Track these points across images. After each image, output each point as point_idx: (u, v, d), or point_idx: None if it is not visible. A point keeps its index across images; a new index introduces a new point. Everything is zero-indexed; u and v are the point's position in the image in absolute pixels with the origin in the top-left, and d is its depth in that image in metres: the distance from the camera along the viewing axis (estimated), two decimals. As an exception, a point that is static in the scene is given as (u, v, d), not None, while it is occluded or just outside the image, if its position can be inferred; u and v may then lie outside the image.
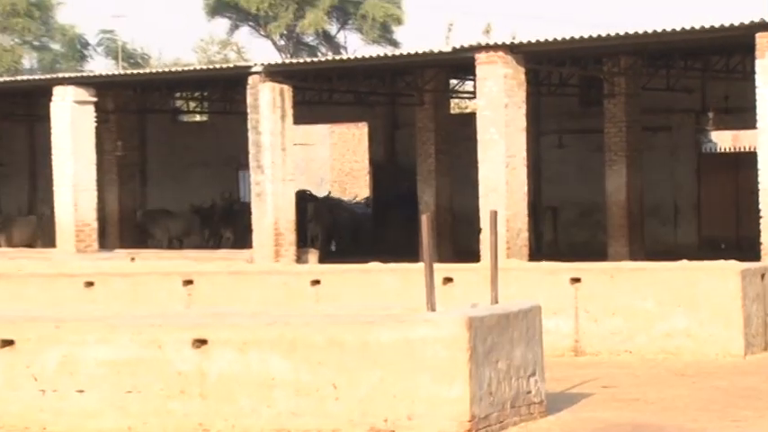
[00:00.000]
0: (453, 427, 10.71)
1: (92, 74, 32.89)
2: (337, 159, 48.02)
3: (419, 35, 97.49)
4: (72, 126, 27.08)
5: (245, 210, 28.66)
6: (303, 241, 28.55)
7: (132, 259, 24.93)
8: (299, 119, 27.06)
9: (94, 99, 27.54)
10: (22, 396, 11.43)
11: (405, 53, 25.89)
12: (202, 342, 11.19)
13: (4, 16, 70.90)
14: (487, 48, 22.95)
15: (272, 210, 25.19)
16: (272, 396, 11.02)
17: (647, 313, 16.45)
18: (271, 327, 11.18)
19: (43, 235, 32.06)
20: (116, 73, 34.50)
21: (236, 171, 36.92)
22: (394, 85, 31.04)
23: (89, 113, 27.40)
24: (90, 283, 19.18)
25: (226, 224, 33.39)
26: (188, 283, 18.74)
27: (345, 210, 38.89)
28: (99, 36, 75.26)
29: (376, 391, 10.85)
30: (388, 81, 30.56)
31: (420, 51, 24.88)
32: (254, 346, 11.08)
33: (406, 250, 25.58)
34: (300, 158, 41.15)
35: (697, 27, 21.14)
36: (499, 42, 23.24)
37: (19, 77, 38.63)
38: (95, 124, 27.74)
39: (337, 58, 34.41)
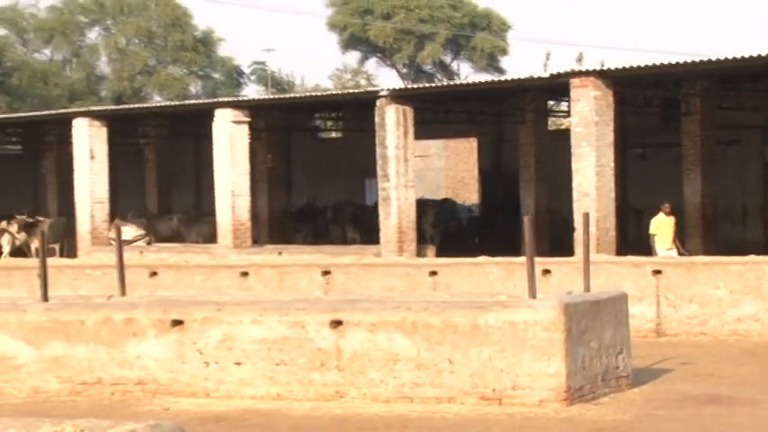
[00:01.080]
0: (552, 396, 10.63)
1: (246, 98, 33.27)
2: (451, 169, 47.90)
3: (521, 63, 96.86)
4: (230, 142, 27.37)
5: (372, 212, 28.73)
6: (423, 240, 28.37)
7: (279, 253, 25.11)
8: (419, 135, 27.02)
9: (249, 119, 27.78)
10: (190, 367, 11.56)
11: (509, 79, 25.78)
12: (339, 323, 11.23)
13: (174, 51, 72.00)
14: (580, 73, 22.73)
15: (395, 212, 25.19)
16: (397, 369, 11.02)
17: (719, 300, 16.18)
18: (396, 311, 11.18)
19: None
20: (266, 97, 34.82)
21: (364, 180, 37.04)
22: (500, 106, 30.90)
23: (244, 131, 27.66)
24: (245, 273, 19.35)
25: (354, 226, 33.24)
26: (326, 273, 18.82)
27: (459, 212, 38.77)
28: (252, 66, 76.09)
29: (485, 366, 10.79)
30: (495, 102, 30.45)
31: (522, 77, 24.76)
32: (381, 327, 11.09)
33: (509, 246, 25.43)
34: (419, 168, 41.06)
35: (763, 54, 20.71)
36: (590, 69, 23.00)
37: (186, 102, 39.06)
38: (249, 140, 27.98)
39: (451, 83, 34.29)
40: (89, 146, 29.31)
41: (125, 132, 35.36)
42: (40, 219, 32.51)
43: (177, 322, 11.63)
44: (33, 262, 21.77)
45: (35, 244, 31.57)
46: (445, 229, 32.43)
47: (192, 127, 35.57)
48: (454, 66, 74.26)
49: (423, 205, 32.05)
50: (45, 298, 12.71)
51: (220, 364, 11.48)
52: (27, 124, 39.19)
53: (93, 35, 74.99)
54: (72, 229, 31.45)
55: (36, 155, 41.38)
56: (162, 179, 38.54)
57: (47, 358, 11.84)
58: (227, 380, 11.46)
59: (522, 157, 30.66)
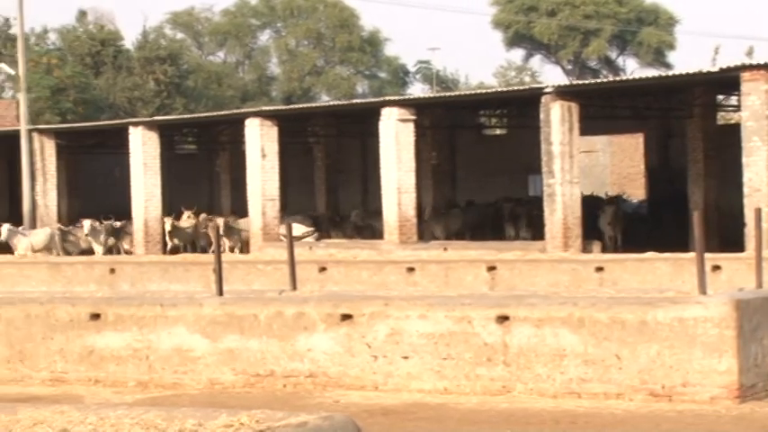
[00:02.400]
0: (723, 394, 10.36)
1: (412, 97, 33.38)
2: (616, 165, 47.21)
3: (689, 58, 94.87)
4: (396, 140, 27.51)
5: (536, 207, 28.49)
6: (600, 239, 27.64)
7: (445, 249, 25.12)
8: (584, 131, 26.71)
9: (414, 117, 27.89)
10: (359, 361, 11.65)
11: (678, 74, 25.24)
12: (505, 318, 11.16)
13: (342, 51, 72.83)
14: (751, 67, 22.16)
15: (560, 207, 24.96)
16: (564, 364, 10.90)
17: None
18: (562, 306, 11.06)
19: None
20: (431, 95, 34.89)
21: (527, 176, 36.80)
22: (667, 101, 30.31)
23: (410, 129, 27.77)
24: (411, 269, 19.45)
25: (527, 223, 32.80)
26: (491, 268, 18.77)
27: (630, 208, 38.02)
28: (417, 65, 76.46)
29: (654, 363, 10.59)
30: (662, 97, 29.87)
31: (691, 72, 24.22)
32: (547, 323, 10.99)
33: (677, 242, 24.92)
34: (584, 164, 40.60)
35: None
36: (762, 62, 22.38)
37: (354, 101, 39.47)
38: (414, 138, 28.08)
39: (617, 79, 33.80)
40: (261, 145, 29.85)
41: (295, 131, 35.90)
42: (117, 223, 32.97)
43: (346, 316, 11.73)
44: (209, 258, 22.30)
45: (124, 247, 32.23)
46: (625, 229, 31.37)
47: (358, 125, 35.91)
48: (620, 61, 73.28)
49: (600, 203, 31.47)
50: (220, 292, 12.99)
51: (388, 357, 11.53)
52: (202, 124, 40.16)
53: (264, 37, 76.49)
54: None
55: (210, 154, 42.37)
56: (330, 177, 39.02)
57: (222, 351, 12.08)
58: (395, 373, 11.50)
59: (691, 153, 30.02)
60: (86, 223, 31.40)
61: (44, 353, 12.58)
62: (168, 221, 31.75)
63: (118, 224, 32.66)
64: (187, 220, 33.10)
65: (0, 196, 41.04)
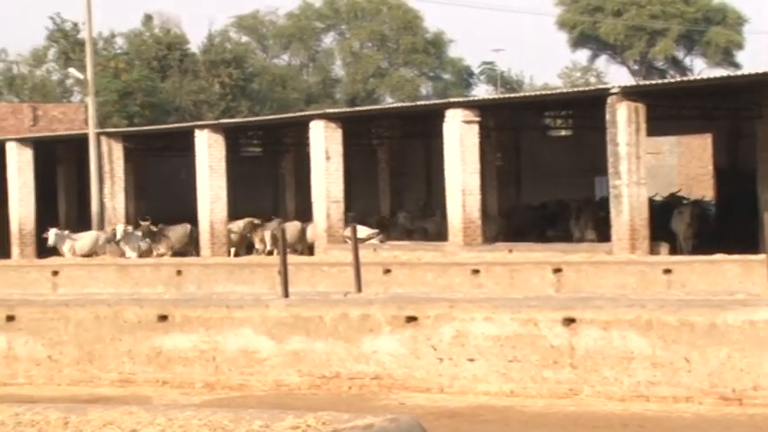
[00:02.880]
0: (795, 398, 10.22)
1: (476, 98, 33.29)
2: (684, 166, 46.75)
3: (758, 57, 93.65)
4: (460, 141, 27.46)
5: (602, 208, 28.28)
6: (673, 242, 27.17)
7: (510, 251, 25.01)
8: (651, 131, 26.47)
9: (478, 119, 27.81)
10: (424, 363, 11.63)
11: (746, 74, 24.96)
12: (571, 321, 11.09)
13: (406, 53, 72.88)
14: (821, 66, 21.86)
15: (627, 209, 24.74)
16: (632, 367, 10.81)
17: None
18: (630, 309, 10.97)
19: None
20: (496, 97, 34.78)
21: (593, 177, 36.56)
22: (735, 101, 29.94)
23: (474, 131, 27.70)
24: (476, 271, 19.40)
25: (594, 225, 32.44)
26: (557, 270, 18.67)
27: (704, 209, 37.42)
28: (482, 67, 76.29)
29: (724, 366, 10.46)
30: (731, 98, 29.51)
31: (760, 72, 23.91)
32: (615, 325, 10.90)
33: (746, 244, 24.60)
34: (651, 165, 40.23)
35: None
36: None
37: (418, 103, 39.49)
38: (479, 139, 28.00)
39: (685, 79, 33.48)
40: (325, 147, 29.93)
41: (359, 133, 35.97)
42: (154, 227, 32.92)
43: (411, 318, 11.72)
44: (274, 260, 22.41)
45: (159, 251, 32.04)
46: (699, 231, 30.65)
47: (423, 127, 35.87)
48: (687, 61, 72.60)
49: (677, 205, 30.99)
50: (286, 294, 13.05)
51: (454, 360, 11.51)
52: (267, 127, 40.39)
53: (328, 40, 76.77)
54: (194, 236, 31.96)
55: (275, 156, 42.57)
56: (393, 179, 39.05)
57: (288, 352, 12.12)
58: (461, 376, 11.48)
59: (760, 153, 29.59)
60: (119, 228, 31.45)
61: (113, 354, 12.70)
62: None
63: (154, 228, 32.66)
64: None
65: (69, 198, 41.54)
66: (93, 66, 38.21)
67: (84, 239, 31.88)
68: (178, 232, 32.74)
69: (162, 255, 31.43)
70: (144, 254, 31.29)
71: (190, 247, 32.95)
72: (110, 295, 16.24)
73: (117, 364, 12.69)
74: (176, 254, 31.45)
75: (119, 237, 30.93)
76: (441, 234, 30.89)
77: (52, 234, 31.14)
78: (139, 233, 31.89)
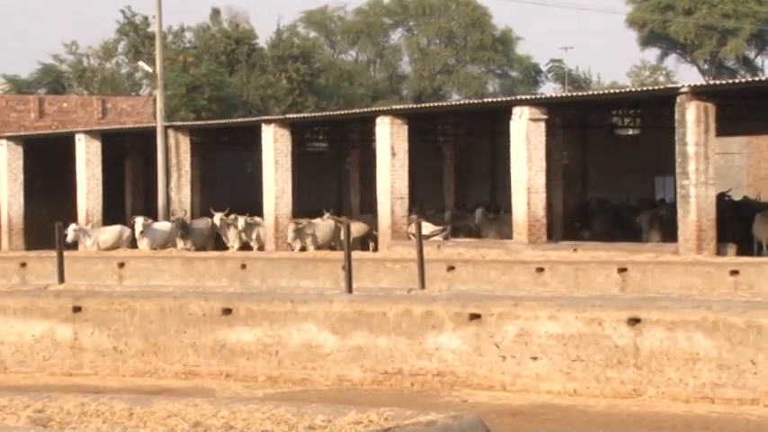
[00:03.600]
0: None
1: (543, 96, 33.10)
2: (753, 167, 46.21)
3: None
4: (527, 139, 27.33)
5: (669, 209, 27.96)
6: (749, 246, 26.57)
7: (574, 250, 24.84)
8: (720, 131, 26.17)
9: (545, 117, 27.66)
10: (487, 361, 11.61)
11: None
12: (636, 321, 11.01)
13: (474, 50, 72.73)
14: None
15: (694, 209, 24.50)
16: (697, 369, 10.71)
17: None
18: (695, 310, 10.87)
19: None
20: (563, 95, 34.55)
21: (653, 177, 36.31)
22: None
23: (541, 129, 27.56)
24: (540, 269, 19.31)
25: (658, 226, 32.03)
26: (622, 270, 18.55)
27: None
28: (549, 64, 75.88)
29: (791, 370, 10.33)
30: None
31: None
32: (680, 326, 10.81)
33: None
34: (719, 166, 39.84)
35: None
36: None
37: (484, 100, 39.35)
38: (545, 137, 27.87)
39: (756, 79, 33.05)
40: (390, 143, 29.94)
41: (424, 130, 35.95)
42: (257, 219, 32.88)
43: (475, 316, 11.70)
44: (338, 255, 22.48)
45: (186, 245, 31.37)
46: None
47: (489, 124, 35.78)
48: (758, 61, 71.72)
49: (754, 208, 30.36)
50: (350, 290, 13.08)
51: (517, 358, 11.47)
52: (333, 123, 40.46)
53: (396, 36, 76.80)
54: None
55: (340, 152, 42.67)
56: (459, 175, 38.97)
57: (351, 348, 12.15)
58: (524, 374, 11.44)
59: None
60: (138, 221, 31.07)
61: (177, 346, 12.81)
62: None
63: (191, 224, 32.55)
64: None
65: (135, 191, 41.96)
66: (162, 59, 38.54)
67: (108, 234, 31.72)
68: (201, 227, 32.60)
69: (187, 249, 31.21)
70: (163, 247, 30.83)
71: (210, 241, 32.84)
72: (175, 288, 16.38)
73: (181, 356, 12.79)
74: (198, 249, 31.15)
75: (139, 230, 30.71)
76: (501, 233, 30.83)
77: (71, 230, 30.85)
78: (159, 227, 31.96)
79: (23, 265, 23.91)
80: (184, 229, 31.97)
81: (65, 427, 6.74)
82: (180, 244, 31.46)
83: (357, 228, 31.72)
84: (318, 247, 30.08)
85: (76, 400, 7.28)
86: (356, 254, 22.09)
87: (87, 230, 32.08)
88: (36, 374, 13.04)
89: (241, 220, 31.68)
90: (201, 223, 33.34)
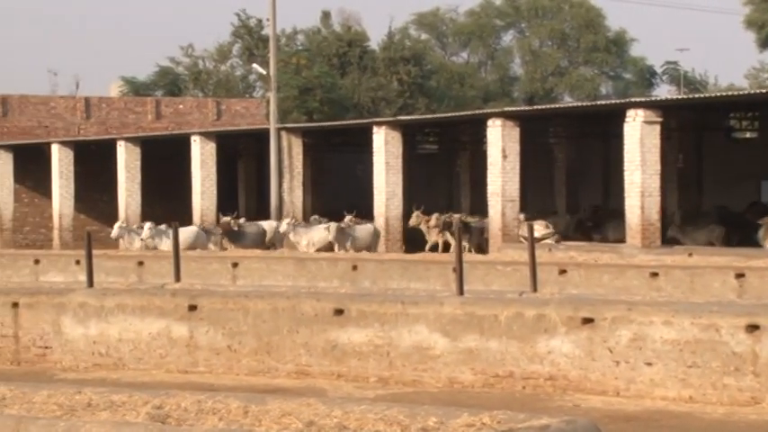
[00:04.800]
0: None
1: (658, 98, 32.68)
2: None
3: None
4: (641, 142, 27.01)
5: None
6: None
7: (690, 254, 24.46)
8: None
9: (660, 119, 27.31)
10: (600, 365, 11.50)
11: None
12: (755, 327, 10.80)
13: (587, 52, 72.08)
14: None
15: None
16: (818, 378, 10.45)
17: None
18: (817, 317, 10.61)
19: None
20: (679, 97, 34.09)
21: (761, 181, 35.62)
22: None
23: (655, 131, 27.22)
24: (654, 274, 19.04)
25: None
26: (739, 276, 18.19)
27: None
28: (664, 66, 74.84)
29: None
30: None
31: None
32: (801, 333, 10.56)
33: None
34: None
35: None
36: None
37: (597, 102, 38.98)
38: (660, 140, 27.51)
39: None
40: (502, 145, 29.83)
41: (536, 132, 35.74)
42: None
43: (587, 320, 11.59)
44: (448, 257, 22.45)
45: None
46: None
47: (601, 126, 35.44)
48: None
49: None
50: (461, 292, 13.05)
51: (630, 363, 11.34)
52: (443, 125, 40.46)
53: (507, 38, 76.46)
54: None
55: (451, 154, 42.66)
56: (570, 178, 38.67)
57: (462, 350, 12.13)
58: (638, 379, 11.30)
59: None
60: (146, 225, 31.46)
61: (290, 346, 12.92)
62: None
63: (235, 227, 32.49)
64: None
65: (248, 191, 42.49)
66: (275, 62, 38.95)
67: (184, 234, 31.70)
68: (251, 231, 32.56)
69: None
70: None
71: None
72: (287, 288, 16.52)
73: (293, 355, 12.90)
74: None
75: (146, 234, 30.95)
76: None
77: (114, 229, 32.36)
78: (167, 229, 32.10)
79: (141, 263, 24.33)
80: (231, 236, 32.04)
81: (182, 424, 6.84)
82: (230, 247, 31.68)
83: (365, 231, 31.59)
84: (357, 250, 30.01)
85: (193, 398, 7.38)
86: (467, 256, 22.02)
87: (130, 229, 32.88)
88: (153, 372, 13.27)
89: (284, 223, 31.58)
90: (252, 228, 33.41)
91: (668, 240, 28.79)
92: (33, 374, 13.07)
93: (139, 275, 23.45)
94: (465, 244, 30.13)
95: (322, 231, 31.34)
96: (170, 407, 7.23)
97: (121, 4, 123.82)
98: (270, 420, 6.88)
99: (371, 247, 31.00)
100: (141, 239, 31.22)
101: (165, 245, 30.18)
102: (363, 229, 31.82)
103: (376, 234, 31.84)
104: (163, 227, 31.67)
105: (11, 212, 41.94)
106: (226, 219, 32.81)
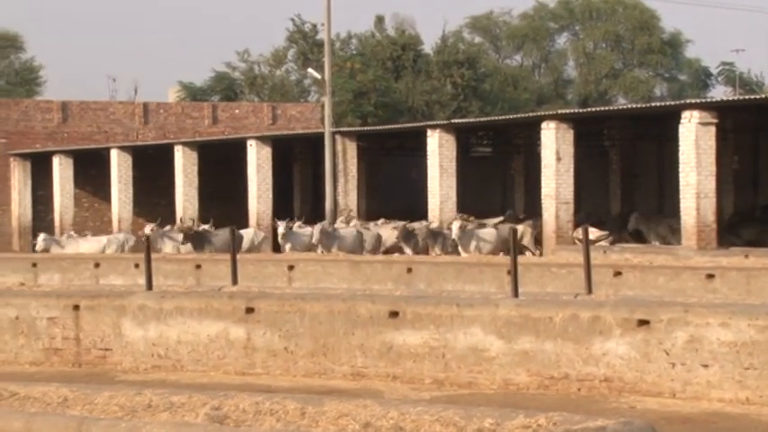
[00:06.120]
0: None
1: (713, 99, 32.41)
2: None
3: None
4: (696, 144, 26.83)
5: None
6: None
7: (746, 256, 24.26)
8: None
9: (716, 121, 27.10)
10: (655, 367, 11.42)
11: None
12: (812, 329, 10.68)
13: (641, 53, 71.67)
14: None
15: None
16: None
17: None
18: None
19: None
20: (734, 98, 33.78)
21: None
22: None
23: (711, 133, 27.01)
24: (710, 276, 18.89)
25: None
26: (798, 278, 18.00)
27: None
28: (720, 67, 74.21)
29: None
30: None
31: None
32: None
33: None
34: None
35: None
36: None
37: (652, 104, 38.75)
38: (715, 142, 27.29)
39: None
40: (556, 148, 29.73)
41: (590, 134, 35.57)
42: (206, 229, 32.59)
43: (643, 322, 11.51)
44: (503, 260, 22.41)
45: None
46: None
47: (656, 128, 35.20)
48: None
49: None
50: (515, 294, 13.03)
51: (687, 365, 11.25)
52: (497, 127, 40.40)
53: (561, 40, 76.22)
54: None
55: (505, 156, 42.55)
56: (624, 180, 38.43)
57: (517, 352, 12.10)
58: (694, 381, 11.21)
59: None
60: (146, 229, 31.65)
61: (345, 348, 12.95)
62: (282, 225, 31.18)
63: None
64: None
65: (304, 195, 42.65)
66: (330, 66, 39.07)
67: (220, 236, 31.58)
68: (221, 238, 31.77)
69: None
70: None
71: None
72: (343, 290, 16.57)
73: (349, 357, 12.92)
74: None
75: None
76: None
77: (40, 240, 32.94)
78: (176, 234, 32.11)
79: (198, 266, 24.51)
80: (195, 240, 31.62)
81: (240, 425, 6.90)
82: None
83: (349, 234, 31.35)
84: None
85: (251, 399, 7.43)
86: (521, 258, 21.98)
87: (59, 241, 33.41)
88: (211, 373, 13.36)
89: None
90: (223, 235, 32.34)
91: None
92: (95, 376, 13.21)
93: (197, 278, 23.62)
94: (438, 251, 29.71)
95: (304, 237, 31.20)
96: (228, 408, 7.29)
97: (179, 10, 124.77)
98: (327, 422, 6.91)
99: (356, 250, 30.57)
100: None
101: (169, 247, 30.87)
102: (348, 232, 31.55)
103: (359, 237, 31.53)
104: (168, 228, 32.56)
105: (71, 217, 42.40)
106: (186, 225, 33.12)
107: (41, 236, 33.88)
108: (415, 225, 31.24)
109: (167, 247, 31.59)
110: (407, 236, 30.79)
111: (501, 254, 27.58)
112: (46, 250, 32.46)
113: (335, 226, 32.13)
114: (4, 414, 7.08)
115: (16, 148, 44.04)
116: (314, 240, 30.29)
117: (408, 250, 30.41)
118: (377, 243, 31.78)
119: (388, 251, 31.10)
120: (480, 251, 29.19)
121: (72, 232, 37.09)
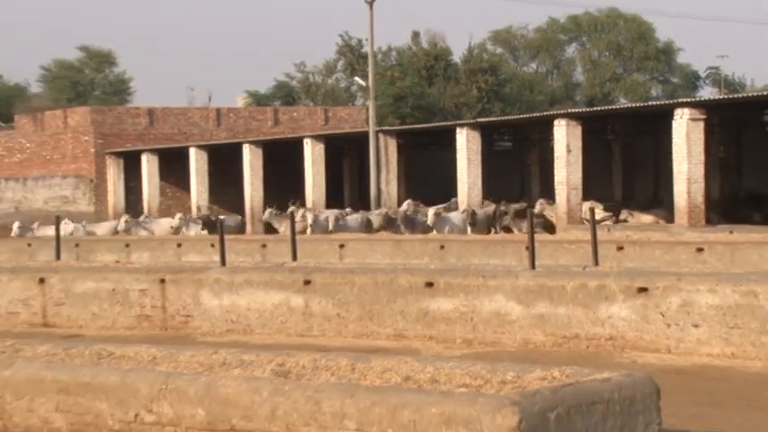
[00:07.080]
0: None
1: (701, 99, 32.08)
2: None
3: None
4: (687, 137, 26.61)
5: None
6: None
7: (730, 232, 23.96)
8: None
9: (704, 117, 26.86)
10: (653, 328, 11.37)
11: None
12: (788, 294, 10.57)
13: (639, 60, 71.15)
14: None
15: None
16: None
17: None
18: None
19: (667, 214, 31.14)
20: (720, 97, 33.43)
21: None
22: None
23: (700, 127, 26.79)
24: (700, 249, 18.71)
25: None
26: (775, 250, 17.80)
27: None
28: (707, 71, 73.55)
29: None
30: None
31: None
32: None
33: None
34: None
35: None
36: None
37: (649, 103, 38.44)
38: (704, 135, 27.05)
39: None
40: (566, 142, 29.58)
41: (596, 130, 35.35)
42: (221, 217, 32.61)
43: (642, 289, 11.47)
44: (522, 237, 22.32)
45: None
46: None
47: (652, 124, 34.94)
48: None
49: None
50: (533, 266, 12.98)
51: (680, 325, 11.19)
52: (516, 125, 40.25)
53: (570, 50, 75.82)
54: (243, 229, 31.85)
55: (522, 150, 42.37)
56: (625, 170, 38.17)
57: (534, 315, 12.08)
58: (686, 339, 11.15)
59: None
60: (177, 216, 32.10)
61: (388, 313, 12.98)
62: (268, 212, 31.39)
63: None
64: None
65: (351, 185, 42.71)
66: (373, 75, 39.07)
67: (102, 228, 33.07)
68: (228, 223, 32.24)
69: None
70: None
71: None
72: (386, 265, 16.59)
73: (392, 321, 12.95)
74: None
75: (176, 224, 31.39)
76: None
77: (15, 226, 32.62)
78: (199, 220, 32.43)
79: (264, 246, 24.56)
80: (210, 226, 31.97)
81: (301, 378, 6.93)
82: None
83: (354, 221, 30.96)
84: None
85: (309, 357, 7.47)
86: (537, 236, 21.86)
87: (192, 219, 33.64)
88: (275, 335, 13.42)
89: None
90: (232, 220, 33.92)
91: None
92: (178, 338, 13.32)
93: (263, 256, 23.68)
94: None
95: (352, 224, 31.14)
96: (290, 364, 7.32)
97: (246, 30, 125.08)
98: (373, 375, 6.93)
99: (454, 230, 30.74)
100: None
101: (192, 231, 31.59)
102: (353, 219, 31.44)
103: (362, 222, 31.42)
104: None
105: (157, 205, 42.72)
106: (204, 213, 33.59)
107: (123, 217, 34.15)
108: (399, 211, 31.36)
109: (192, 230, 32.30)
110: (390, 221, 30.66)
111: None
112: (127, 231, 32.85)
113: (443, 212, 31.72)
114: (104, 370, 7.16)
115: (111, 147, 44.40)
116: (429, 223, 29.92)
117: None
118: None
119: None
120: (453, 232, 29.13)
121: (147, 216, 37.29)
